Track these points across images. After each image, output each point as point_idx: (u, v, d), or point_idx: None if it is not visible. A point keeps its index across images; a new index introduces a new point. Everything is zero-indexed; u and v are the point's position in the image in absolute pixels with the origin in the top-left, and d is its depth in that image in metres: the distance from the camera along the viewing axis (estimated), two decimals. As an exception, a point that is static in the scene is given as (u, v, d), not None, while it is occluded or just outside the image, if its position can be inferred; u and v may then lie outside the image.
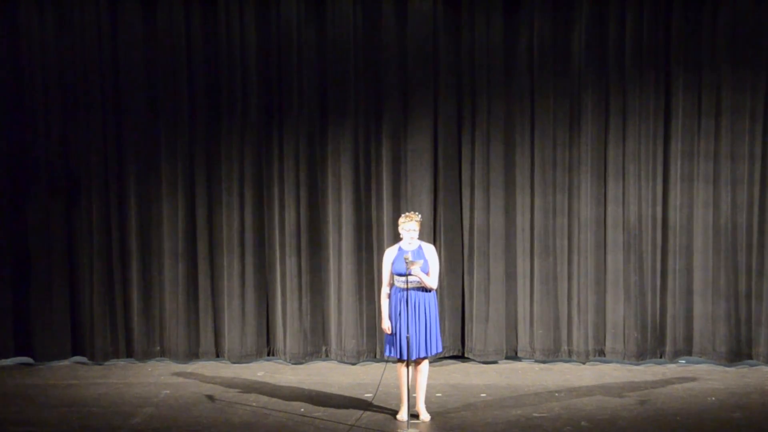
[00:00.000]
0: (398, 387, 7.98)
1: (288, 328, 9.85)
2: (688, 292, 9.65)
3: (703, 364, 9.63)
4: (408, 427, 7.56)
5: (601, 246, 9.70)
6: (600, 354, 9.78)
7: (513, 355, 9.89)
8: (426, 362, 7.89)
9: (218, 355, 9.98)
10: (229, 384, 9.07)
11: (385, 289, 7.88)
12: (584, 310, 9.72)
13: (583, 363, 9.73)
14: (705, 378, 9.18)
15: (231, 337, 9.87)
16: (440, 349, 7.94)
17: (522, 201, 9.75)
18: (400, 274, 7.68)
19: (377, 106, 9.81)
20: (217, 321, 9.95)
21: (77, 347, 9.99)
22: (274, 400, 8.55)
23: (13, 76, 9.80)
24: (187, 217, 9.88)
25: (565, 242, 9.73)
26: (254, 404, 8.41)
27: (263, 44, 9.79)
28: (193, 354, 9.93)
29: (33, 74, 9.79)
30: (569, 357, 9.78)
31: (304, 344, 9.86)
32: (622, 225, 9.66)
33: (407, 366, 7.73)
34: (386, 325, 7.80)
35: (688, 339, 9.68)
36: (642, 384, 8.97)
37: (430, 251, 7.85)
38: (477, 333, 9.78)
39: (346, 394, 8.71)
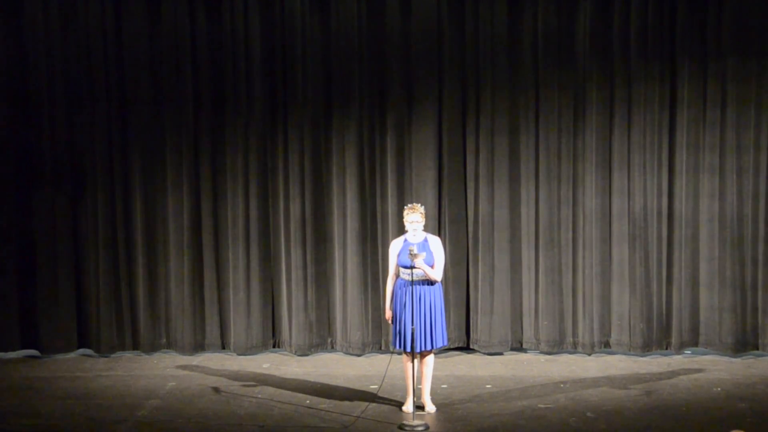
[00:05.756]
0: (404, 379, 7.98)
1: (293, 320, 9.86)
2: (694, 283, 9.64)
3: (708, 355, 9.62)
4: (413, 419, 7.56)
5: (606, 237, 9.68)
6: (605, 345, 9.77)
7: (518, 347, 9.88)
8: (431, 354, 7.89)
9: (224, 347, 10.00)
10: (235, 376, 9.08)
11: (390, 281, 7.87)
12: (589, 302, 9.71)
13: (589, 354, 9.72)
14: (711, 369, 9.17)
15: (236, 329, 9.88)
16: (445, 343, 7.93)
17: (527, 192, 9.74)
18: (406, 266, 7.66)
19: (381, 97, 9.79)
20: (223, 313, 9.97)
21: (83, 340, 10.01)
22: (280, 391, 8.56)
23: (18, 71, 9.80)
24: (192, 210, 9.89)
25: (570, 234, 9.72)
26: (260, 396, 8.42)
27: (267, 36, 9.77)
28: (198, 346, 9.95)
29: (38, 69, 9.78)
30: (574, 348, 9.77)
31: (310, 336, 9.87)
32: (627, 216, 9.64)
33: (413, 358, 7.73)
34: (389, 315, 7.81)
35: (694, 330, 9.67)
36: (647, 375, 8.97)
37: (435, 243, 7.83)
38: (482, 324, 9.78)
39: (352, 385, 8.71)
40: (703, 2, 9.46)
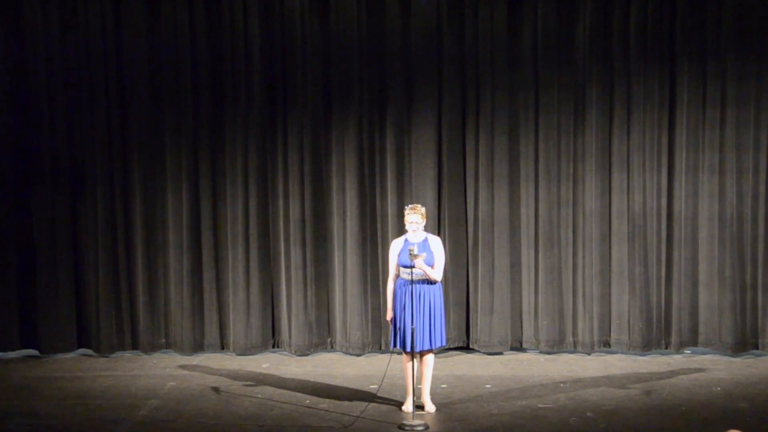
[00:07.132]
0: (403, 378, 7.98)
1: (293, 320, 9.86)
2: (694, 283, 9.64)
3: (708, 355, 9.63)
4: (413, 419, 7.56)
5: (606, 237, 9.69)
6: (605, 345, 9.78)
7: (518, 346, 9.89)
8: (431, 354, 7.89)
9: (223, 347, 10.00)
10: (235, 376, 9.08)
11: (390, 282, 7.87)
12: (589, 301, 9.72)
13: (588, 354, 9.72)
14: (710, 368, 9.18)
15: (236, 329, 9.88)
16: (444, 343, 7.92)
17: (526, 192, 9.74)
18: (406, 266, 7.66)
19: (381, 97, 9.80)
20: (222, 313, 9.96)
21: (83, 340, 10.01)
22: (280, 391, 8.56)
23: (17, 70, 9.80)
24: (191, 210, 9.89)
25: (570, 233, 9.72)
26: (259, 396, 8.42)
27: (267, 35, 9.77)
28: (198, 346, 9.95)
29: (37, 68, 9.79)
30: (574, 348, 9.78)
31: (309, 336, 9.87)
32: (626, 216, 9.65)
33: (412, 358, 7.73)
34: (391, 316, 7.81)
35: (694, 329, 9.67)
36: (647, 375, 8.97)
37: (435, 243, 7.83)
38: (482, 324, 9.78)
39: (352, 385, 8.71)
40: (703, 2, 9.47)
